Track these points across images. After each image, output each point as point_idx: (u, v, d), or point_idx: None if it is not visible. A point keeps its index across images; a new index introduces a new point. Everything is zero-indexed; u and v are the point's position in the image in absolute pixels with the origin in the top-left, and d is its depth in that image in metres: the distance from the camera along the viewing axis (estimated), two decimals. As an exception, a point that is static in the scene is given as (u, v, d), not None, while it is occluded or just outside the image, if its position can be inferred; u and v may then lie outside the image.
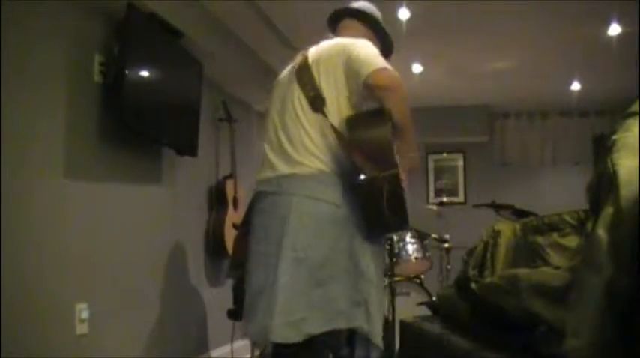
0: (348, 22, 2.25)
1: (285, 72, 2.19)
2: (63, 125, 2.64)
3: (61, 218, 2.60)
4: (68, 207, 2.65)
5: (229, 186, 4.21)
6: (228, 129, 4.29)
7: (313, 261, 1.87)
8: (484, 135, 6.61)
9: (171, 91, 3.33)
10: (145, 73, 3.02)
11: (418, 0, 3.55)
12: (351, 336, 1.95)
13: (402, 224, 1.95)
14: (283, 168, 1.97)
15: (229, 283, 3.67)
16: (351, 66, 1.95)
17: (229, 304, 3.47)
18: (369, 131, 1.89)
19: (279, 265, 1.87)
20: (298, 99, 2.01)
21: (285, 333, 1.84)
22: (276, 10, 3.84)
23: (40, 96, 2.52)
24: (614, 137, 0.75)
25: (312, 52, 2.10)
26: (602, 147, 0.75)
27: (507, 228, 1.80)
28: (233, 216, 4.12)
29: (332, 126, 1.93)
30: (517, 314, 1.33)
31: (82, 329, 2.68)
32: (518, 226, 1.88)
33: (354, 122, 1.92)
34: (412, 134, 1.99)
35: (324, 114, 1.95)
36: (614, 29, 3.99)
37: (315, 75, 2.00)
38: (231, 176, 4.25)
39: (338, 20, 2.29)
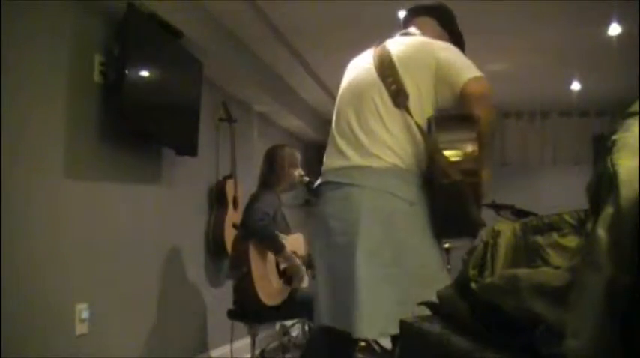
0: (425, 20, 2.22)
1: (361, 62, 2.13)
2: (63, 125, 2.64)
3: (60, 218, 2.60)
4: (68, 207, 2.65)
5: (229, 186, 4.21)
6: (228, 129, 4.29)
7: (386, 257, 1.86)
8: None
9: (171, 91, 3.33)
10: (145, 73, 3.02)
11: (418, 0, 3.55)
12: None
13: (475, 231, 1.92)
14: (357, 159, 1.95)
15: (229, 283, 3.67)
16: (444, 70, 1.94)
17: (229, 304, 3.48)
18: (458, 134, 1.87)
19: (356, 258, 1.85)
20: (379, 94, 1.98)
21: (367, 330, 1.84)
22: (276, 10, 3.84)
23: (40, 97, 2.52)
24: (614, 137, 0.74)
25: (394, 47, 2.06)
26: (602, 147, 0.75)
27: (507, 228, 1.80)
28: (233, 216, 4.12)
29: (417, 124, 1.91)
30: (517, 314, 1.32)
31: (82, 329, 2.68)
32: (518, 226, 1.88)
33: (442, 123, 1.90)
34: (491, 146, 2.00)
35: (407, 110, 1.93)
36: (614, 29, 3.99)
37: (399, 70, 1.97)
38: (231, 176, 4.25)
39: (414, 16, 2.25)
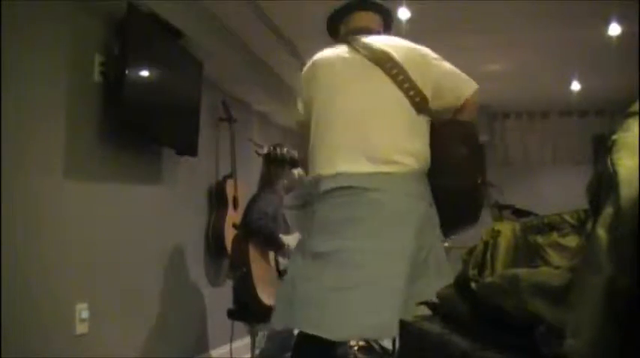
0: (374, 17, 2.20)
1: (347, 60, 2.06)
2: (63, 125, 2.64)
3: (60, 218, 2.60)
4: (68, 207, 2.65)
5: (229, 186, 4.21)
6: (228, 129, 4.29)
7: (410, 257, 1.88)
8: (484, 135, 6.61)
9: (171, 91, 3.33)
10: (145, 73, 3.02)
11: (418, 0, 3.55)
12: None
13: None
14: (370, 166, 1.92)
15: (229, 283, 3.68)
16: (447, 81, 2.02)
17: (229, 304, 3.48)
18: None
19: (385, 260, 1.87)
20: (396, 98, 1.97)
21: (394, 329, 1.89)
22: (276, 10, 3.84)
23: (40, 96, 2.52)
24: (614, 137, 0.74)
25: (389, 48, 2.03)
26: (602, 147, 0.75)
27: (507, 228, 1.81)
28: (233, 216, 4.13)
29: (432, 123, 2.01)
30: (517, 314, 1.32)
31: (82, 329, 2.68)
32: (518, 226, 1.89)
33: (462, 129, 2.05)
34: None
35: (428, 115, 1.99)
36: (614, 29, 3.99)
37: (410, 75, 2.00)
38: (231, 176, 4.25)
39: (360, 9, 2.20)
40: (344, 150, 1.96)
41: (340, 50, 2.10)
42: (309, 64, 2.17)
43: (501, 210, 3.81)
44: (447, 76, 2.03)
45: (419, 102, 1.97)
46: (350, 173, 1.94)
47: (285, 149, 3.54)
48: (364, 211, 1.92)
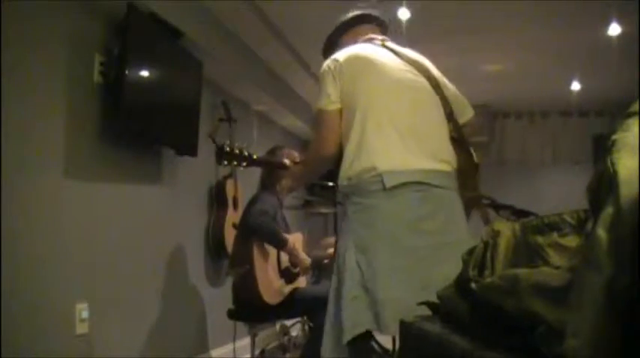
0: (376, 29, 2.30)
1: (393, 62, 2.10)
2: (63, 125, 2.64)
3: (60, 218, 2.60)
4: (68, 207, 2.65)
5: (229, 186, 4.21)
6: (228, 129, 4.29)
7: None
8: (484, 135, 6.61)
9: (171, 91, 3.33)
10: (145, 73, 3.02)
11: (418, 0, 3.55)
12: None
13: None
14: (431, 164, 2.00)
15: (229, 283, 3.67)
16: (459, 98, 2.21)
17: (229, 304, 3.48)
18: None
19: (457, 255, 1.91)
20: (438, 105, 2.11)
21: None
22: (276, 10, 3.84)
23: (40, 97, 2.52)
24: (614, 137, 0.74)
25: (426, 62, 2.20)
26: (602, 147, 0.75)
27: (507, 228, 1.81)
28: (233, 216, 4.12)
29: (465, 137, 2.16)
30: (517, 314, 1.32)
31: (82, 329, 2.68)
32: (518, 226, 1.89)
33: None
34: None
35: (455, 122, 2.14)
36: (614, 29, 3.99)
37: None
38: (231, 176, 4.25)
39: (361, 23, 2.31)
40: (404, 148, 1.98)
41: (380, 51, 2.15)
42: (347, 54, 2.10)
43: (500, 209, 3.80)
44: (458, 98, 2.20)
45: (449, 113, 2.13)
46: (419, 169, 1.97)
47: (285, 152, 3.38)
48: (436, 207, 2.01)
